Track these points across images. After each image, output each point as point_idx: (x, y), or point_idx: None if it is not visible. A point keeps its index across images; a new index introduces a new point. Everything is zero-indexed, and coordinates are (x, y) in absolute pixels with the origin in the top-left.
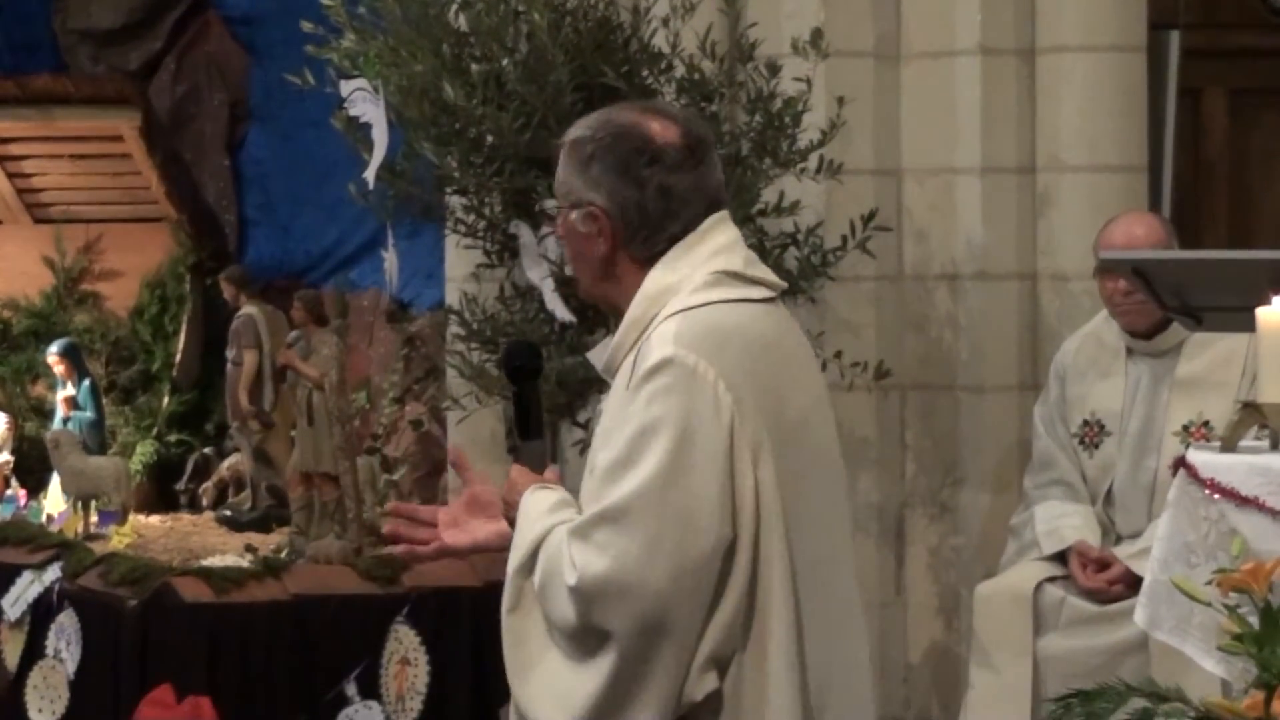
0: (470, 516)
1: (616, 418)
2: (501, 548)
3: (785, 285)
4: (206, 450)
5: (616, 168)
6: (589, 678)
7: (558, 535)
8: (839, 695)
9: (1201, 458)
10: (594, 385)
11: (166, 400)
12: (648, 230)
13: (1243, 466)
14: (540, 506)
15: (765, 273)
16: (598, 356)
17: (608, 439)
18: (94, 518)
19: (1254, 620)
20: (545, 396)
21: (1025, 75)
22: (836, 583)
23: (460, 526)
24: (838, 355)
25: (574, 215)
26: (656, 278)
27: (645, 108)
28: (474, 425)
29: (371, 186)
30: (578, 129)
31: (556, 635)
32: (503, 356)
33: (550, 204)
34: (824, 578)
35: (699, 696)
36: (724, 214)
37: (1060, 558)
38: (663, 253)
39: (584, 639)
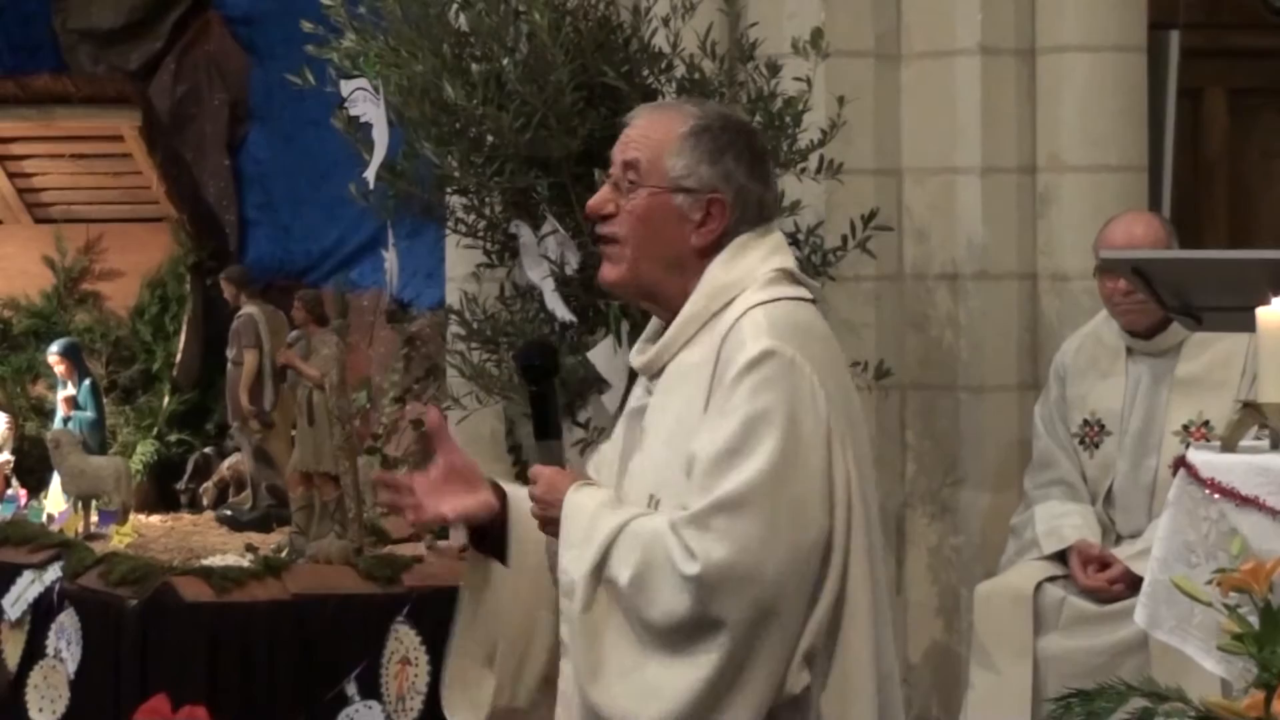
0: (448, 485)
1: (693, 412)
2: (479, 520)
3: (820, 287)
4: (207, 450)
5: (752, 164)
6: (689, 670)
7: (651, 527)
8: (891, 692)
9: (1202, 457)
10: (594, 385)
11: (167, 400)
12: (751, 227)
13: (1243, 466)
14: (593, 503)
15: (806, 277)
16: (599, 356)
17: (703, 434)
18: (94, 517)
19: (1254, 620)
20: None
21: (1025, 75)
22: (885, 579)
23: (440, 495)
24: None
25: (679, 199)
26: (717, 274)
27: (731, 105)
28: (474, 425)
29: (372, 186)
30: (690, 117)
31: (646, 631)
32: (518, 356)
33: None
34: (880, 574)
35: (797, 690)
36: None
37: (1060, 557)
38: (721, 248)
39: (690, 631)
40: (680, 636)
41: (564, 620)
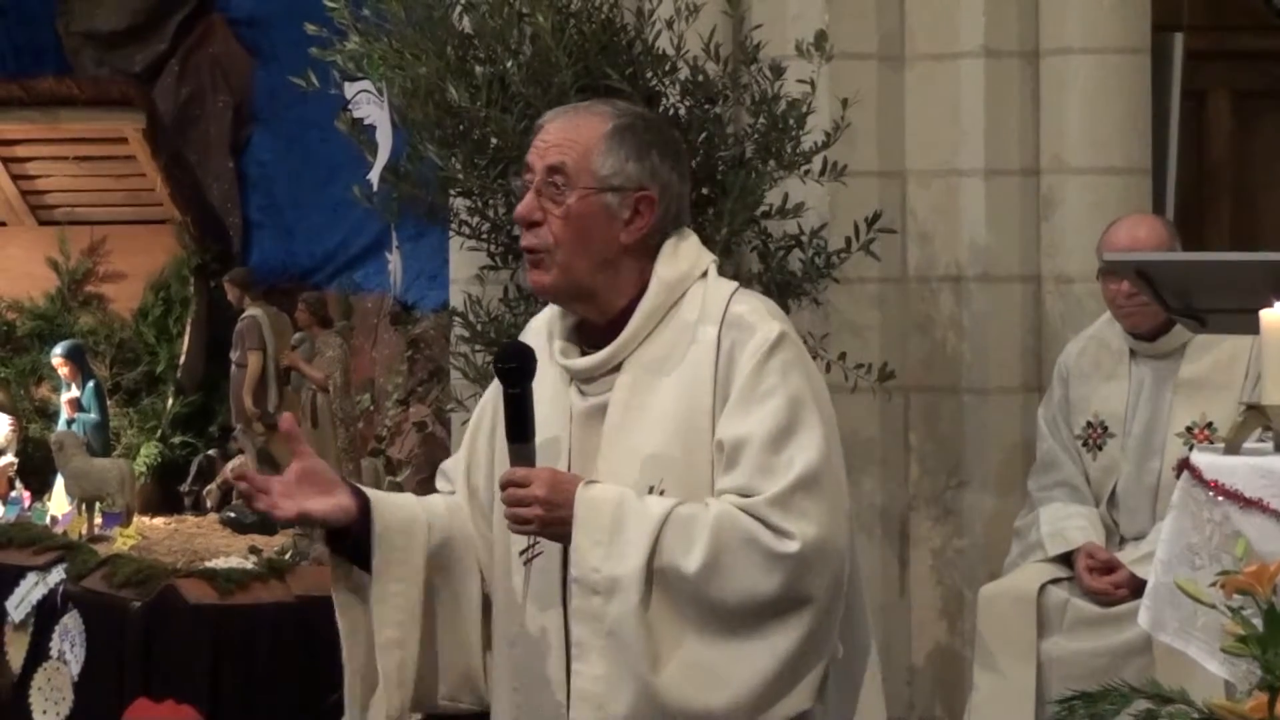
0: (302, 487)
1: (698, 396)
2: (335, 523)
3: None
4: (211, 452)
5: (673, 158)
6: (765, 651)
7: (716, 512)
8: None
9: (1205, 459)
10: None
11: (171, 402)
12: (679, 222)
13: (1247, 468)
14: (612, 496)
15: None
16: (526, 333)
17: (734, 418)
18: (98, 519)
19: (1258, 622)
20: None
21: (1029, 77)
22: None
23: (296, 496)
24: (842, 357)
25: (609, 198)
26: (670, 267)
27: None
28: None
29: (376, 188)
30: (610, 116)
31: (716, 614)
32: (495, 358)
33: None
34: None
35: (839, 657)
36: None
37: (1064, 559)
38: (658, 245)
39: (770, 611)
40: (758, 618)
41: (587, 620)
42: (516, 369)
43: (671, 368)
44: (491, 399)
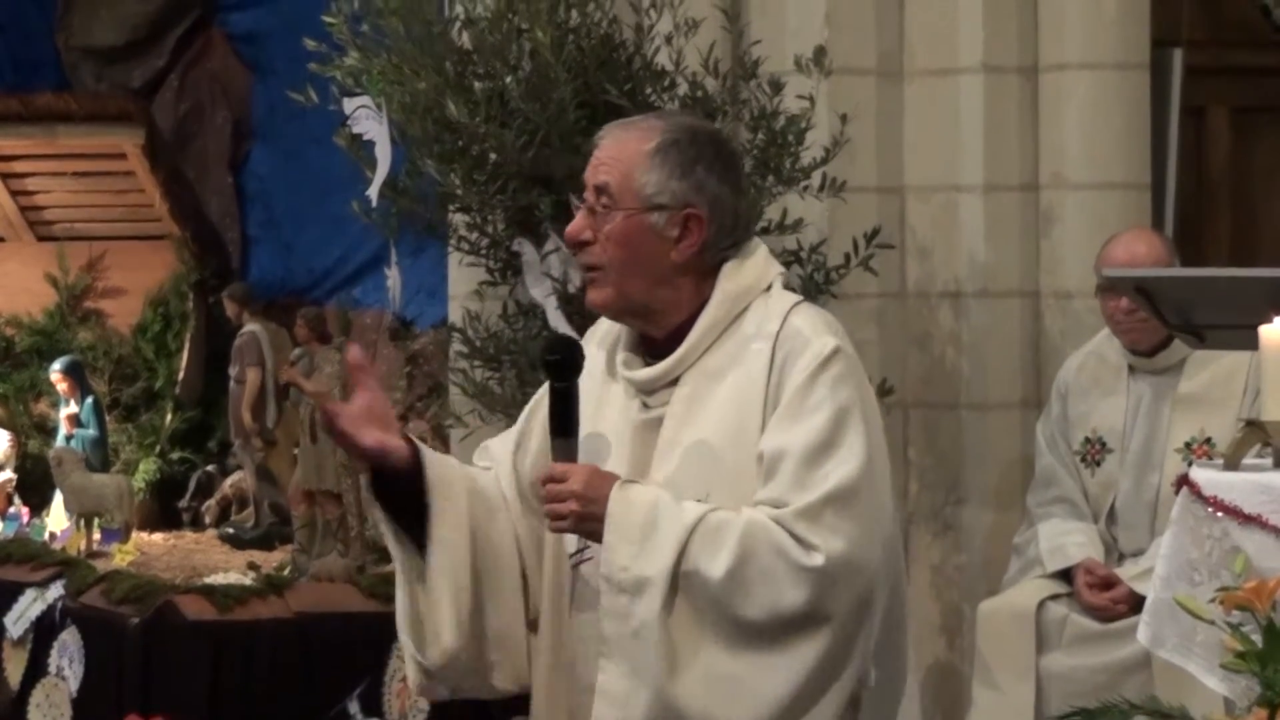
0: (366, 421)
1: (750, 408)
2: (398, 461)
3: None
4: (209, 468)
5: (724, 173)
6: (785, 666)
7: (746, 520)
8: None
9: (1204, 475)
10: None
11: (169, 418)
12: (736, 236)
13: (1246, 484)
14: (647, 497)
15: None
16: (587, 342)
17: (780, 430)
18: (97, 535)
19: (1257, 638)
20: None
21: (1028, 93)
22: None
23: (360, 426)
24: None
25: (654, 217)
26: (735, 280)
27: (694, 113)
28: (477, 443)
29: (375, 204)
30: (656, 132)
31: (738, 624)
32: (543, 350)
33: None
34: None
35: (870, 684)
36: None
37: (1064, 576)
38: (729, 258)
39: (792, 625)
40: (779, 631)
41: (615, 618)
42: (561, 361)
43: (728, 380)
44: (535, 413)
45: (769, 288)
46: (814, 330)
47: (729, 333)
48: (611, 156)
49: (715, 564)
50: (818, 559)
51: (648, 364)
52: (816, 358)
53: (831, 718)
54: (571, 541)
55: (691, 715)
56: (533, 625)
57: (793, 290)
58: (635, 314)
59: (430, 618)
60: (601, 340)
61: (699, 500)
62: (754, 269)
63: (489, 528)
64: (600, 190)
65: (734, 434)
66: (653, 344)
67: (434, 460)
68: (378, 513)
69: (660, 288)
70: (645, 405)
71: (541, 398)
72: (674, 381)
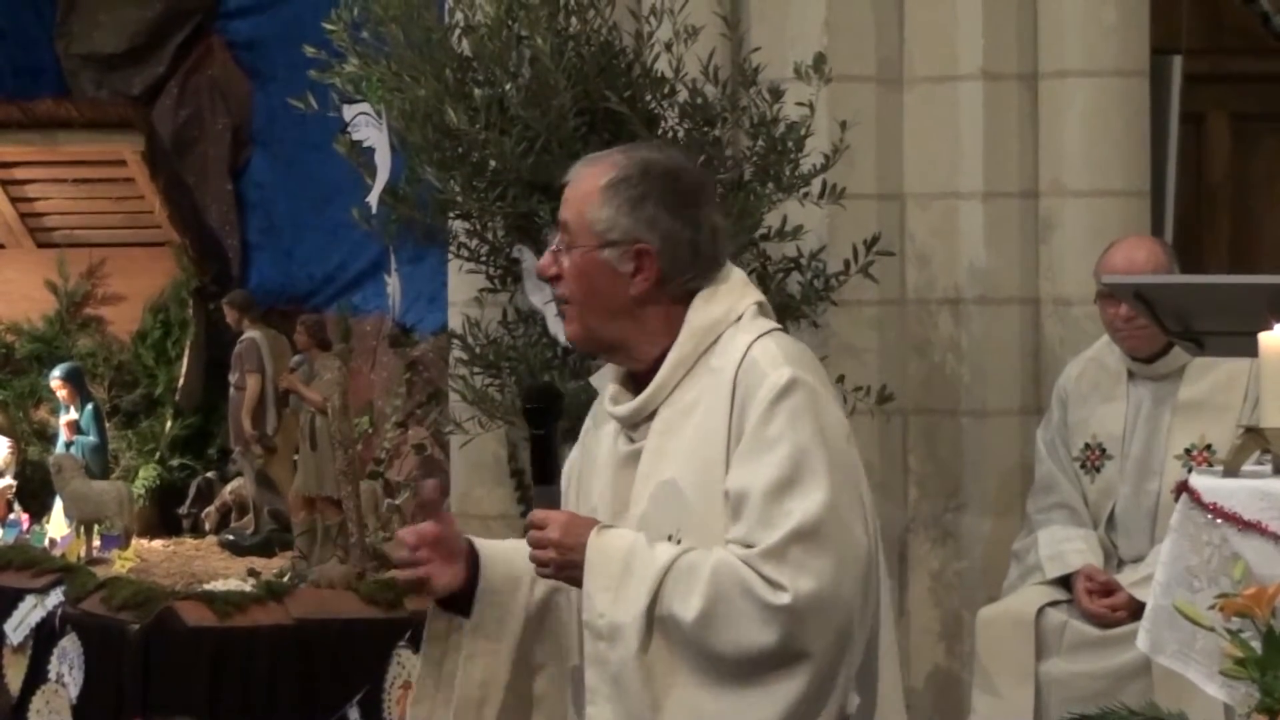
0: (435, 555)
1: (714, 445)
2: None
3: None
4: (209, 474)
5: (675, 208)
6: (765, 704)
7: (716, 561)
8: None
9: (1204, 482)
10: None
11: (169, 424)
12: (696, 269)
13: (1245, 491)
14: (624, 542)
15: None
16: (600, 380)
17: (742, 467)
18: (96, 542)
19: (1257, 645)
20: None
21: (1028, 100)
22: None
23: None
24: (840, 379)
25: (606, 254)
26: (703, 312)
27: (663, 147)
28: (476, 449)
29: (374, 211)
30: (606, 169)
31: (715, 664)
32: (522, 398)
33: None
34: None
35: (852, 711)
36: None
37: (1063, 582)
38: (699, 290)
39: (771, 662)
40: (755, 669)
41: (595, 664)
42: (540, 410)
43: (696, 414)
44: (577, 447)
45: (741, 318)
46: (771, 362)
47: (699, 366)
48: (571, 193)
49: (688, 607)
50: (785, 598)
51: (631, 399)
52: (773, 390)
53: None
54: None
55: None
56: None
57: (768, 317)
58: (605, 348)
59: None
60: (610, 375)
61: (671, 537)
62: (725, 299)
63: (550, 620)
64: (562, 227)
65: (701, 471)
66: (638, 378)
67: (491, 564)
68: (429, 618)
69: (622, 321)
70: (630, 439)
71: (571, 459)
72: (651, 415)
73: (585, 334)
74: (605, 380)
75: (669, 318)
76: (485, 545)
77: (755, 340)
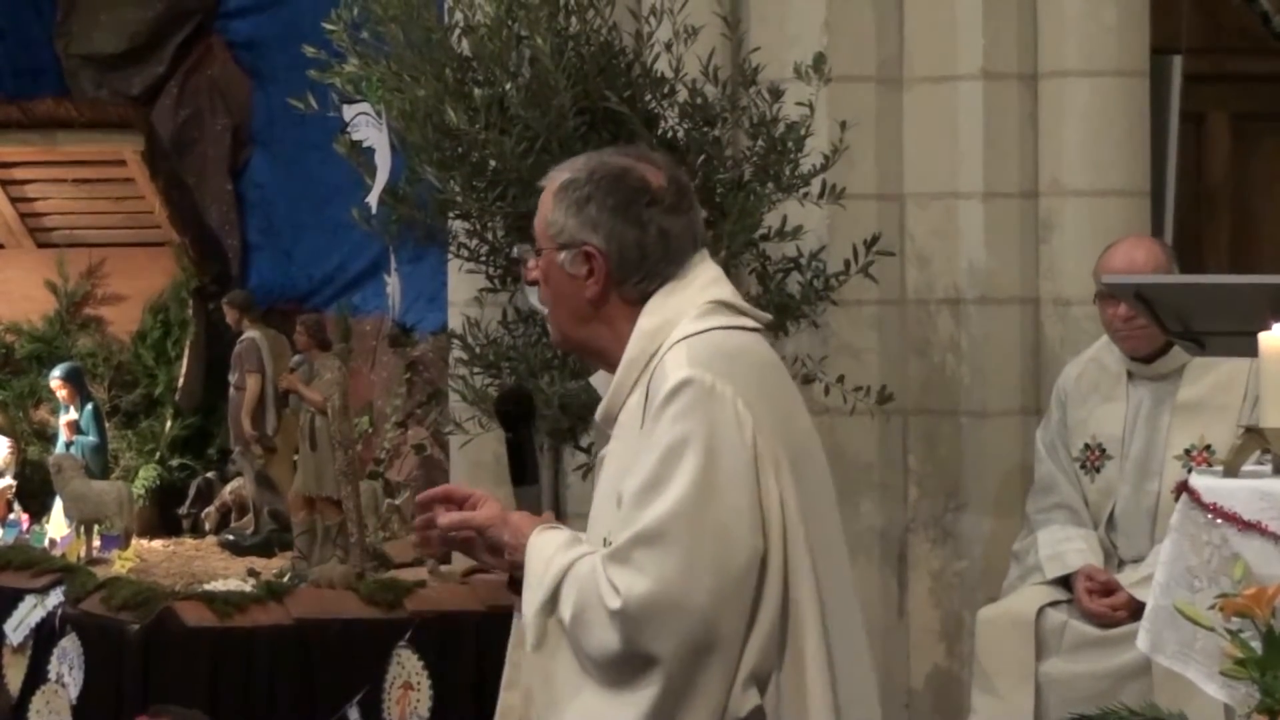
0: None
1: (634, 451)
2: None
3: (770, 319)
4: (209, 475)
5: (617, 209)
6: (632, 704)
7: (586, 565)
8: (859, 712)
9: (1204, 482)
10: (596, 409)
11: (169, 424)
12: (645, 271)
13: (1245, 491)
14: (551, 545)
15: (750, 307)
16: (600, 381)
17: (631, 470)
18: (96, 542)
19: (1257, 645)
20: (547, 421)
21: (1028, 100)
22: (849, 600)
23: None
24: (840, 380)
25: (561, 256)
26: (652, 316)
27: (630, 153)
28: (476, 449)
29: (374, 211)
30: (564, 172)
31: (591, 667)
32: (496, 402)
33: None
34: (840, 594)
35: (743, 713)
36: (705, 253)
37: (1063, 583)
38: (654, 292)
39: (626, 666)
40: (616, 672)
41: (525, 657)
42: (513, 413)
43: (633, 420)
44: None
45: (679, 324)
46: (675, 365)
47: (647, 369)
48: (540, 200)
49: (567, 609)
50: (616, 602)
51: None
52: (665, 393)
53: None
54: None
55: None
56: None
57: (725, 314)
58: (581, 350)
59: None
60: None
61: (605, 540)
62: (678, 301)
63: None
64: (533, 235)
65: (620, 475)
66: None
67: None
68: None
69: (587, 325)
70: (609, 438)
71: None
72: (615, 419)
73: (560, 338)
74: (601, 382)
75: (632, 320)
76: (541, 539)
77: (675, 344)
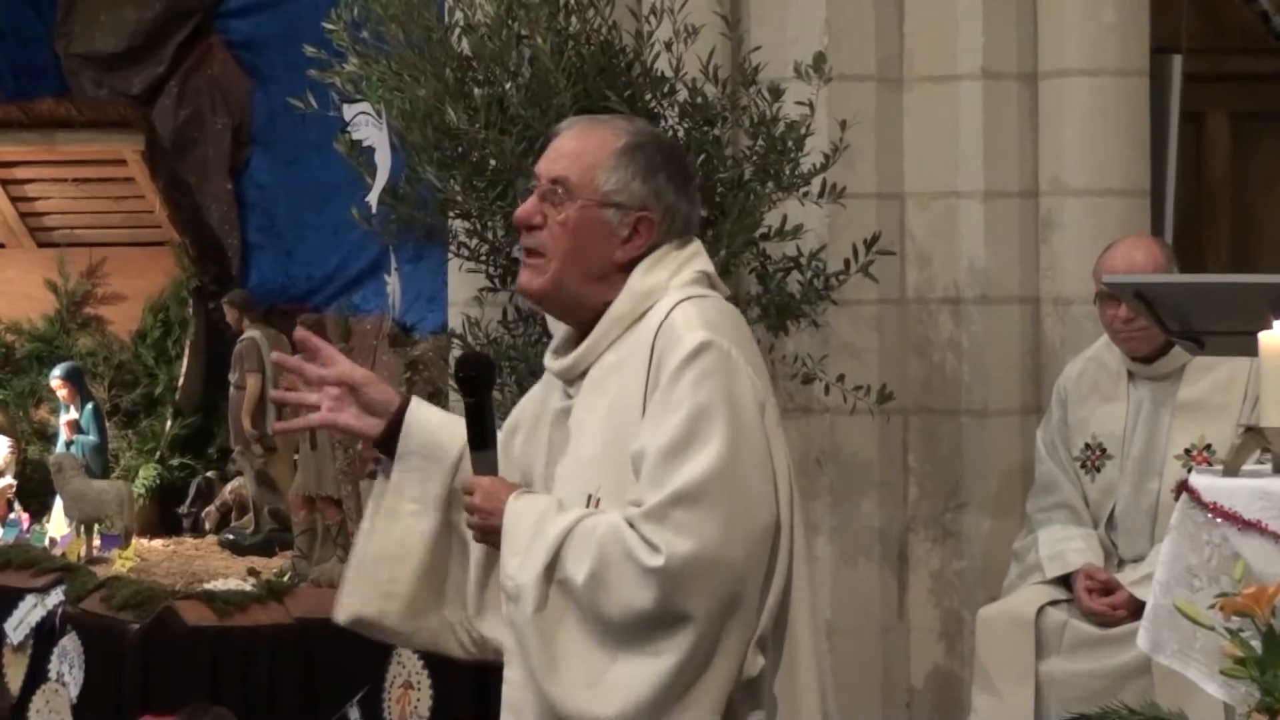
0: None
1: (623, 409)
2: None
3: (730, 294)
4: (209, 474)
5: (679, 183)
6: (651, 664)
7: (606, 523)
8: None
9: (1204, 481)
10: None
11: (169, 424)
12: (677, 240)
13: (1245, 490)
14: (536, 507)
15: (720, 282)
16: (558, 329)
17: (644, 429)
18: (97, 541)
19: (1257, 644)
20: None
21: (1028, 99)
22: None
23: (338, 409)
24: (840, 379)
25: (609, 213)
26: (644, 278)
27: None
28: None
29: (374, 210)
30: (623, 133)
31: (604, 627)
32: (455, 367)
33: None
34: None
35: (754, 673)
36: None
37: (1063, 582)
38: (647, 255)
39: (653, 625)
40: (641, 630)
41: (509, 625)
42: (473, 378)
43: (620, 375)
44: (525, 399)
45: (671, 284)
46: (688, 325)
47: (632, 329)
48: (576, 149)
49: (580, 570)
50: (658, 560)
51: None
52: (683, 353)
53: (710, 709)
54: None
55: (566, 715)
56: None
57: (709, 286)
58: (561, 304)
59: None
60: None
61: (590, 497)
62: (669, 267)
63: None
64: (558, 180)
65: (618, 431)
66: (582, 334)
67: (416, 427)
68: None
69: (595, 283)
70: (566, 394)
71: (519, 408)
72: (585, 373)
73: (553, 288)
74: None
75: (623, 282)
76: (422, 409)
77: (677, 304)
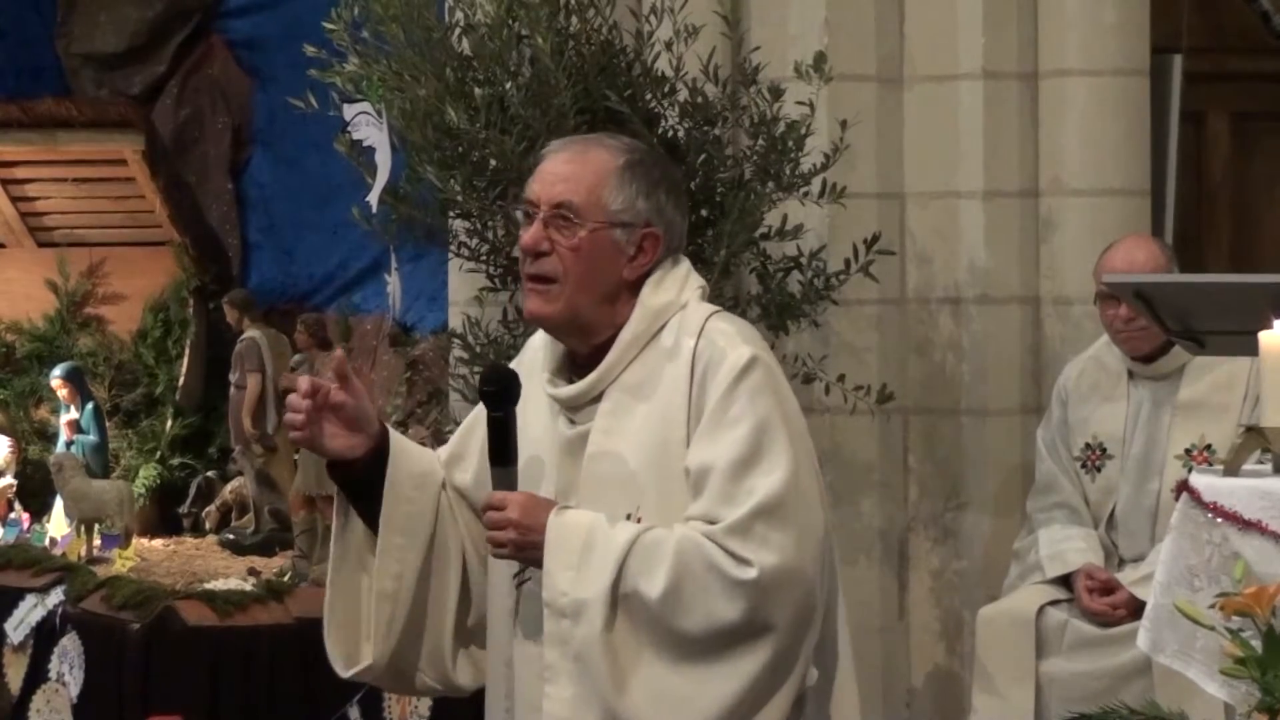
0: (335, 419)
1: (656, 426)
2: (337, 456)
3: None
4: (210, 474)
5: (675, 197)
6: (727, 677)
7: (680, 537)
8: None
9: (1204, 481)
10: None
11: (170, 424)
12: (671, 257)
13: (1246, 490)
14: (584, 522)
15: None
16: (537, 339)
17: (707, 440)
18: (97, 541)
19: (1257, 644)
20: None
21: (1028, 99)
22: None
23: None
24: (841, 379)
25: (617, 233)
26: (655, 296)
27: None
28: None
29: (375, 210)
30: (621, 151)
31: (679, 639)
32: (480, 381)
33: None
34: None
35: (811, 683)
36: None
37: (1063, 582)
38: (652, 273)
39: (734, 637)
40: (721, 643)
41: (556, 643)
42: (499, 392)
43: (649, 394)
44: (464, 432)
45: (688, 302)
46: (730, 341)
47: (649, 347)
48: (573, 172)
49: (653, 583)
50: (751, 572)
51: (572, 381)
52: (734, 369)
53: None
54: (514, 563)
55: None
56: (472, 633)
57: (711, 303)
58: (574, 329)
59: (357, 626)
60: (536, 350)
61: (630, 517)
62: (674, 284)
63: (448, 533)
64: (561, 205)
65: (658, 448)
66: (578, 360)
67: (401, 457)
68: (338, 499)
69: (605, 304)
70: (571, 421)
71: (477, 416)
72: (598, 398)
73: (568, 314)
74: (526, 354)
75: (631, 304)
76: (398, 438)
77: (708, 319)
